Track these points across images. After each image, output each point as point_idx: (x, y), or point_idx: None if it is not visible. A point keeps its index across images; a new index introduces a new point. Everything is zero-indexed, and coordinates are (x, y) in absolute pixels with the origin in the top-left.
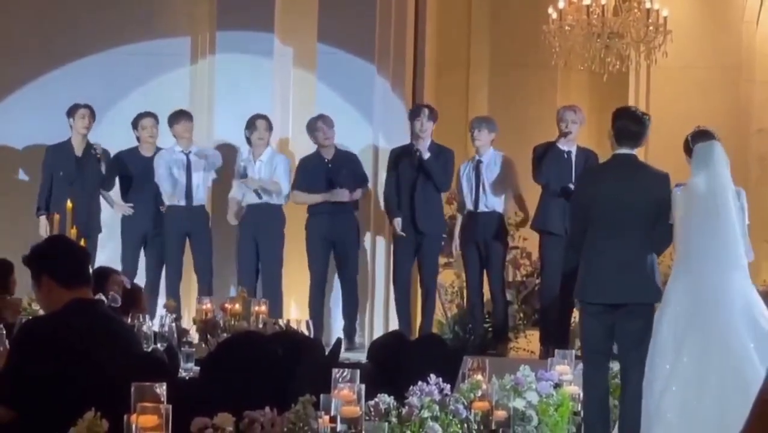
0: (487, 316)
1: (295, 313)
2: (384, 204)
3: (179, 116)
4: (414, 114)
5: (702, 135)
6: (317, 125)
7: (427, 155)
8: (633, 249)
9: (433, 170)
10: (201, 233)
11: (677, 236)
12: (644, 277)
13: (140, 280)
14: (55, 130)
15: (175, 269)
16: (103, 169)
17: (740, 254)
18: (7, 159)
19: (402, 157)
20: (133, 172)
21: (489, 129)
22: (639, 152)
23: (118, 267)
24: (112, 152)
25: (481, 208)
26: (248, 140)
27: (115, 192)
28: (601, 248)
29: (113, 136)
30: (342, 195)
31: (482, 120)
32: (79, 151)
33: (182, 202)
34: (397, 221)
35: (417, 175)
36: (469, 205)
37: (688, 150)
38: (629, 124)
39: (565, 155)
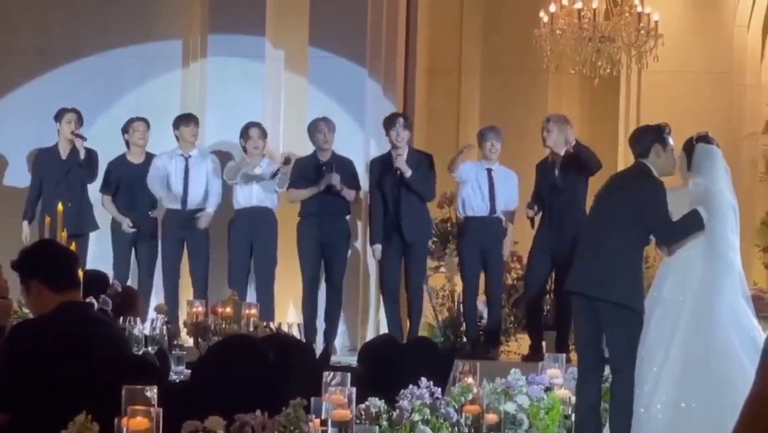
0: (478, 320)
1: (287, 316)
2: (370, 221)
3: (188, 120)
4: (389, 123)
5: (707, 138)
6: (320, 126)
7: (408, 173)
8: (612, 250)
9: (418, 186)
10: (198, 238)
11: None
12: (623, 279)
13: (131, 284)
14: (46, 134)
15: (171, 273)
16: (83, 156)
17: (731, 258)
18: None
19: (384, 170)
20: (123, 179)
21: (500, 139)
22: (629, 155)
23: (109, 270)
24: (103, 154)
25: (494, 214)
26: (244, 149)
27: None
28: (587, 244)
29: (105, 139)
30: (335, 179)
31: (498, 130)
32: (65, 154)
33: (178, 207)
34: (377, 248)
35: (399, 189)
36: (480, 211)
37: (686, 147)
38: (639, 136)
39: (550, 164)
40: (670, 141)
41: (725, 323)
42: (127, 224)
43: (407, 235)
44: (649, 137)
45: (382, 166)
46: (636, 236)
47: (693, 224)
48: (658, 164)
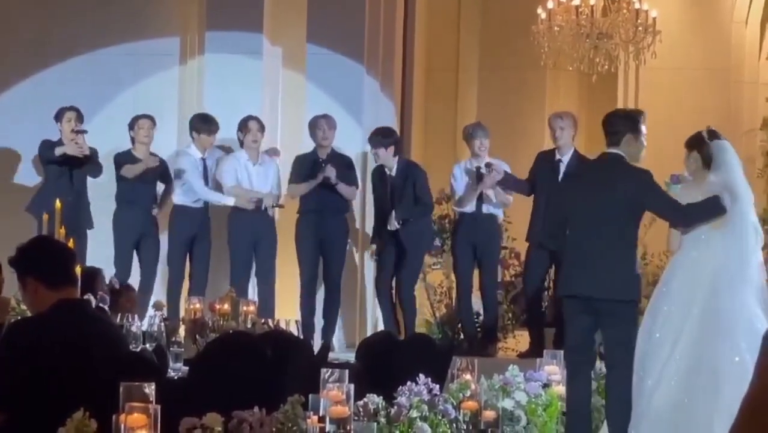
0: (476, 317)
1: (286, 313)
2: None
3: (209, 125)
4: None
5: (717, 134)
6: (319, 123)
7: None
8: (608, 246)
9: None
10: (206, 236)
11: (676, 232)
12: (619, 273)
13: (134, 280)
14: (44, 131)
15: (180, 271)
16: (87, 151)
17: (746, 253)
18: None
19: (379, 175)
20: (127, 174)
21: (488, 136)
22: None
23: (111, 267)
24: (102, 151)
25: (484, 210)
26: (241, 143)
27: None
28: (578, 244)
29: (103, 136)
30: (329, 171)
31: (485, 127)
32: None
33: (199, 205)
34: (372, 248)
35: (392, 195)
36: (470, 208)
37: (698, 145)
38: (613, 124)
39: (555, 164)
40: (643, 129)
41: (734, 320)
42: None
43: (405, 242)
44: (622, 127)
45: (379, 170)
46: (632, 229)
47: (713, 206)
48: (629, 153)
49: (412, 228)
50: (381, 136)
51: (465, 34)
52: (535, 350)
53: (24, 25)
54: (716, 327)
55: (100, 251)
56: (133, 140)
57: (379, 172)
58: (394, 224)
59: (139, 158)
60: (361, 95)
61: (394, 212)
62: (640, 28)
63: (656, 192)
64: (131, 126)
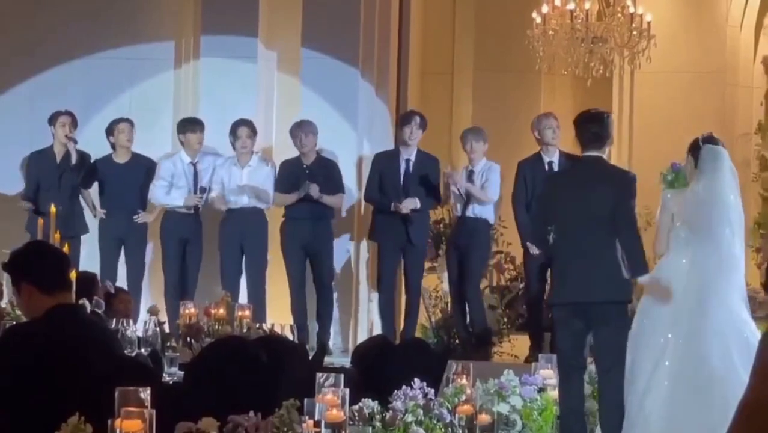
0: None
1: (280, 317)
2: (371, 202)
3: (194, 126)
4: (405, 121)
5: (713, 139)
6: (295, 132)
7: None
8: (597, 249)
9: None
10: (197, 240)
11: (663, 236)
12: (611, 275)
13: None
14: (39, 136)
15: (175, 274)
16: (75, 159)
17: (737, 256)
18: None
19: (385, 166)
20: (108, 179)
21: (484, 140)
22: (622, 155)
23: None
24: (96, 156)
25: (469, 214)
26: (233, 146)
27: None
28: (568, 250)
29: (97, 141)
30: (313, 190)
31: (478, 132)
32: (59, 157)
33: (188, 210)
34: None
35: (403, 187)
36: (457, 212)
37: (692, 148)
38: (591, 126)
39: (547, 166)
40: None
41: (722, 325)
42: (100, 214)
43: (413, 236)
44: (607, 131)
45: (386, 161)
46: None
47: (637, 263)
48: (607, 154)
49: (419, 221)
50: (422, 119)
51: (460, 37)
52: (535, 353)
53: (19, 30)
54: (705, 330)
55: (95, 254)
56: (113, 146)
57: (389, 158)
58: (405, 209)
59: (120, 163)
60: (356, 99)
61: (409, 198)
62: (634, 32)
63: (626, 207)
64: (110, 131)
